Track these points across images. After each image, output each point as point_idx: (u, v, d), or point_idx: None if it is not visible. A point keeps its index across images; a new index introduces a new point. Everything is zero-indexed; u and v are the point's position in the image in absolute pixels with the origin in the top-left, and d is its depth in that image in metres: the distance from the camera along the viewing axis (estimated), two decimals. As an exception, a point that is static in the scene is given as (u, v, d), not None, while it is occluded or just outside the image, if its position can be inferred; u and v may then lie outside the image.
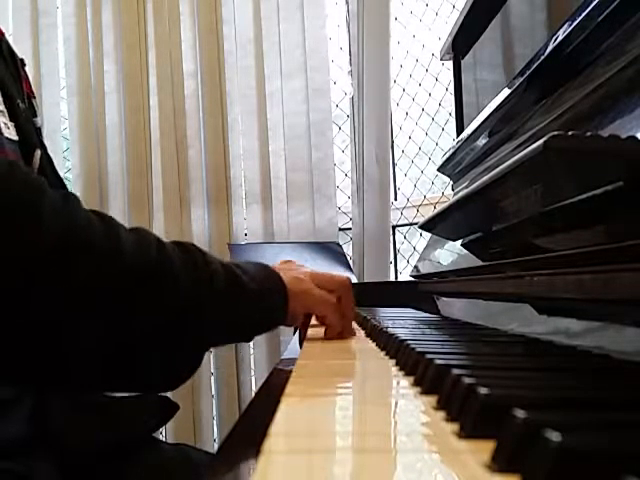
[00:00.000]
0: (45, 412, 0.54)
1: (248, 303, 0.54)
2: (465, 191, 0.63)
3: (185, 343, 0.49)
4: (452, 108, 1.21)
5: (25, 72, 0.75)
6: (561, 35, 0.56)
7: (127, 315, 0.45)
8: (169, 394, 1.77)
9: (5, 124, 0.63)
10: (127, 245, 0.45)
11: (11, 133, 0.64)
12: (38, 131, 0.72)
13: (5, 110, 0.64)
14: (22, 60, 0.75)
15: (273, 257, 1.55)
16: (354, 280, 1.52)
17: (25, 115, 0.68)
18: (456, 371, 0.32)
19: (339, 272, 1.54)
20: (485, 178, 0.54)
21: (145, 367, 0.48)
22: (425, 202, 1.72)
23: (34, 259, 0.40)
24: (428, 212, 1.43)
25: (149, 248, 0.47)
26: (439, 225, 0.84)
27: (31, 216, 0.40)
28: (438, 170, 1.15)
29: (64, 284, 0.41)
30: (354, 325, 0.72)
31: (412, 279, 1.17)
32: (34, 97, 0.75)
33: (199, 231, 1.77)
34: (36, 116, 0.73)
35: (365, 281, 1.62)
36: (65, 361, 0.44)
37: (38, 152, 0.67)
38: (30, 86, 0.75)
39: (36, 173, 0.66)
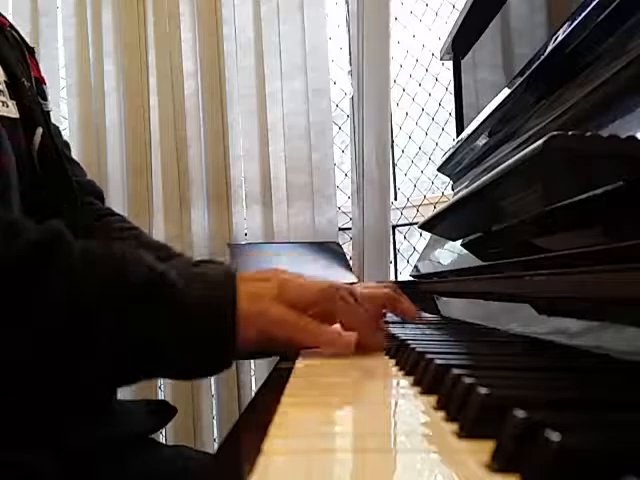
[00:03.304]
0: (40, 406, 0.54)
1: (171, 316, 0.46)
2: (465, 191, 0.63)
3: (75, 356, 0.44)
4: (452, 108, 1.21)
5: (35, 59, 0.75)
6: (561, 35, 0.56)
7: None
8: (168, 395, 1.75)
9: (4, 103, 0.64)
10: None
11: (10, 111, 0.64)
12: (47, 114, 0.72)
13: (5, 89, 0.65)
14: (33, 48, 0.76)
15: (273, 257, 1.55)
16: (353, 280, 1.52)
17: (31, 94, 0.68)
18: (456, 371, 0.32)
19: (339, 272, 1.54)
20: (485, 178, 0.54)
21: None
22: (425, 202, 1.72)
23: None
24: (428, 212, 1.43)
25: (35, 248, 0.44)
26: (439, 225, 0.84)
27: None
28: (438, 170, 1.15)
29: None
30: None
31: (412, 279, 1.17)
32: (44, 83, 0.75)
33: (199, 231, 1.77)
34: (46, 100, 0.73)
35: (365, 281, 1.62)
36: None
37: (40, 130, 0.66)
38: (40, 72, 0.75)
39: (36, 150, 0.66)
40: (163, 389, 1.79)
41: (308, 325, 0.51)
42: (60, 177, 0.71)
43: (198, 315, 0.47)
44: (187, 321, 0.47)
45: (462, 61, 1.11)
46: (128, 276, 0.46)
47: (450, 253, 0.91)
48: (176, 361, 0.48)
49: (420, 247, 1.66)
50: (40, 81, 0.74)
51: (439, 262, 1.00)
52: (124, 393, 1.69)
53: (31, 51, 0.75)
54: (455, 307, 0.91)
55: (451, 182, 1.13)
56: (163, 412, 0.69)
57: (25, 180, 0.63)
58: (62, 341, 0.43)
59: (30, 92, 0.69)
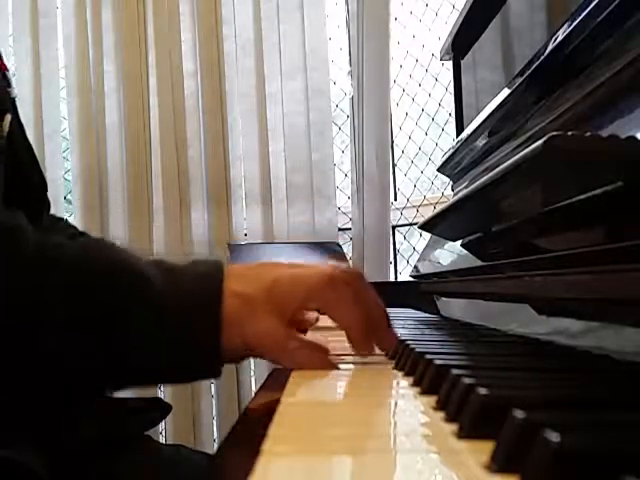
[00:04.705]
0: (34, 404, 0.53)
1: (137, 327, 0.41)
2: (465, 191, 0.63)
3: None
4: (452, 108, 1.21)
5: None
6: (561, 35, 0.56)
7: None
8: (168, 395, 1.75)
9: None
10: None
11: None
12: (12, 101, 0.70)
13: None
14: None
15: (273, 257, 1.55)
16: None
17: None
18: (455, 371, 0.32)
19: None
20: (485, 178, 0.54)
21: None
22: (425, 202, 1.72)
23: None
24: (428, 212, 1.43)
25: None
26: (439, 225, 0.84)
27: None
28: (438, 170, 1.15)
29: None
30: None
31: (412, 279, 1.17)
32: (7, 70, 0.74)
33: (199, 231, 1.77)
34: (11, 86, 0.72)
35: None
36: None
37: (8, 117, 0.65)
38: (2, 59, 0.74)
39: (4, 138, 0.65)
40: (163, 389, 1.79)
41: (295, 349, 0.45)
42: (29, 166, 0.70)
43: (175, 313, 0.42)
44: (161, 319, 0.42)
45: (462, 61, 1.11)
46: (89, 270, 0.42)
47: (450, 253, 0.91)
48: (151, 367, 0.43)
49: (420, 247, 1.66)
50: (3, 68, 0.73)
51: (439, 262, 1.00)
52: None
53: None
54: (455, 307, 0.91)
55: (451, 182, 1.13)
56: (158, 409, 0.69)
57: None
58: (31, 348, 0.41)
59: None
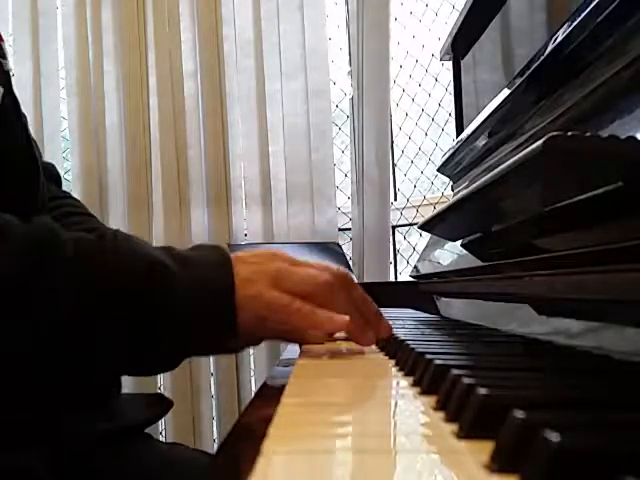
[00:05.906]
0: (38, 402, 0.53)
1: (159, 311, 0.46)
2: (465, 191, 0.63)
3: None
4: (452, 108, 1.21)
5: None
6: (561, 35, 0.56)
7: None
8: (167, 395, 1.74)
9: None
10: None
11: None
12: (7, 74, 0.66)
13: None
14: None
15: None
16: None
17: None
18: (455, 371, 0.32)
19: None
20: (485, 178, 0.54)
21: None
22: (425, 202, 1.72)
23: None
24: (428, 212, 1.43)
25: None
26: (439, 225, 0.84)
27: None
28: (438, 170, 1.15)
29: None
30: None
31: (412, 279, 1.17)
32: (2, 40, 0.71)
33: (199, 232, 1.77)
34: (5, 59, 0.67)
35: (365, 281, 1.62)
36: None
37: (1, 90, 0.63)
38: None
39: None
40: (162, 390, 1.79)
41: (302, 308, 0.51)
42: (22, 143, 0.65)
43: (198, 300, 0.47)
44: (187, 307, 0.47)
45: (462, 61, 1.11)
46: (124, 269, 0.46)
47: (450, 253, 0.91)
48: (178, 348, 0.48)
49: (420, 247, 1.66)
50: None
51: (439, 262, 1.00)
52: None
53: None
54: (455, 307, 0.91)
55: (451, 182, 1.13)
56: (159, 405, 0.69)
57: None
58: (62, 338, 0.44)
59: None
